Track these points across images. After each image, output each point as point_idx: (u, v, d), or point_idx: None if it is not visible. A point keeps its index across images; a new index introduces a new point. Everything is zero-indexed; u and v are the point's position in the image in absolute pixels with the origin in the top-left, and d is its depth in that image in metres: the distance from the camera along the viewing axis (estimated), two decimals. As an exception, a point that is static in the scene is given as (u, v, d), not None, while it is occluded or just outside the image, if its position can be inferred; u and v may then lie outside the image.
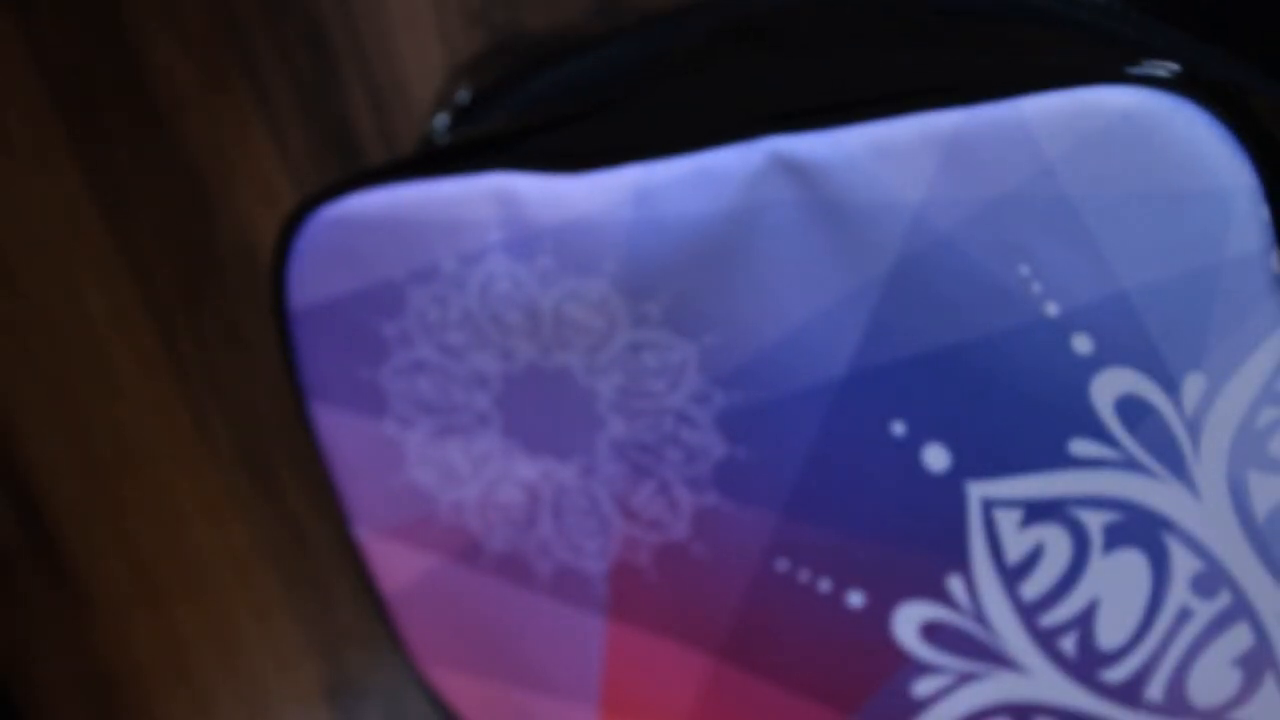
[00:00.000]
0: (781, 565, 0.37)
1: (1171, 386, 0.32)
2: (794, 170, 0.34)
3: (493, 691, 0.43)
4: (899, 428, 0.35)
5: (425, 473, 0.41)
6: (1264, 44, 0.33)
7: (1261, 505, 0.32)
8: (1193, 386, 0.31)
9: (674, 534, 0.38)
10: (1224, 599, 0.33)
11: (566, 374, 0.38)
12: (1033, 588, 0.35)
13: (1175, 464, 0.32)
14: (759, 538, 0.37)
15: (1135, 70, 0.30)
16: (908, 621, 0.36)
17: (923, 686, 0.37)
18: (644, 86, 0.37)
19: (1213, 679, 0.34)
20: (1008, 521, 0.34)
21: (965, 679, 0.36)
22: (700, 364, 0.36)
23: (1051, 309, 0.32)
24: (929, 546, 0.35)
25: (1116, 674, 0.34)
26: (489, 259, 0.38)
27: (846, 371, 0.35)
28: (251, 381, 0.52)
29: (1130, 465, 0.33)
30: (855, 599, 0.37)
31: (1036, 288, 0.32)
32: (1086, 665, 0.35)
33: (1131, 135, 0.30)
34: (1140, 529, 0.33)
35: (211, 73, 0.48)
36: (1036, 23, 0.33)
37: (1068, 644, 0.35)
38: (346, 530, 0.44)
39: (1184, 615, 0.33)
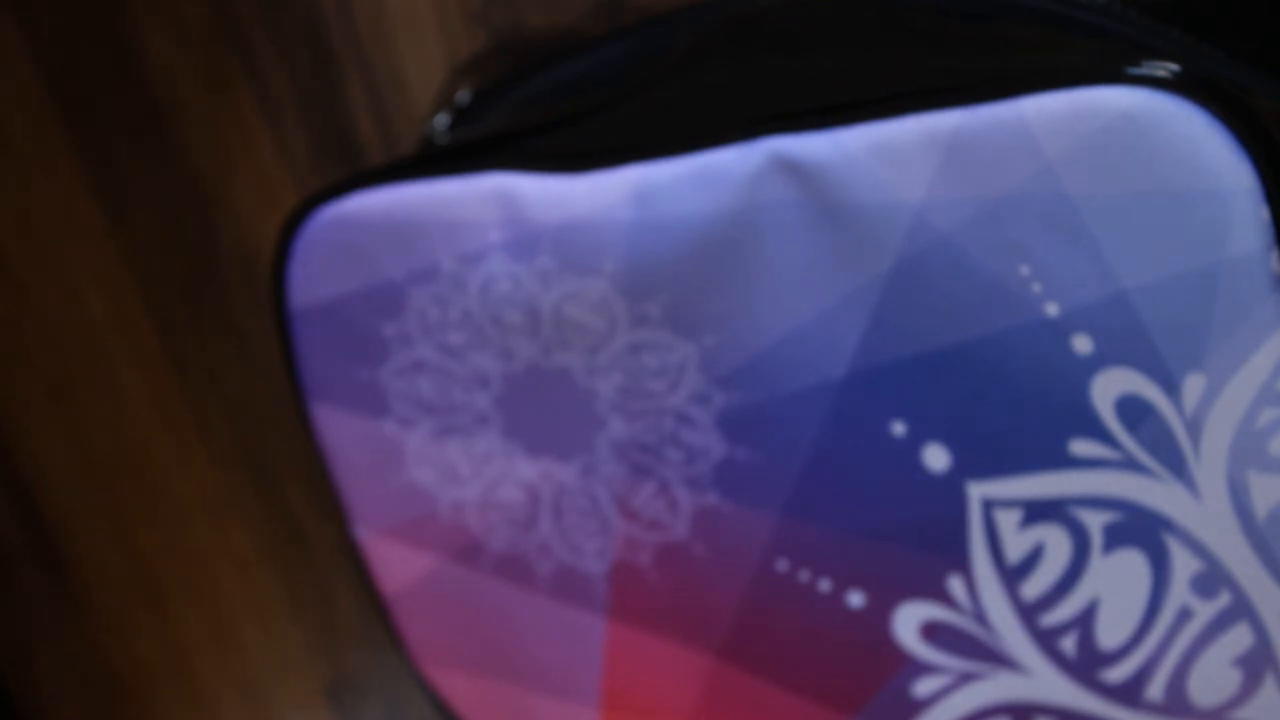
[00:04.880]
0: (781, 565, 0.37)
1: (1171, 386, 0.32)
2: (794, 170, 0.34)
3: (493, 691, 0.43)
4: (899, 428, 0.35)
5: (425, 473, 0.41)
6: (1264, 44, 0.33)
7: (1261, 505, 0.32)
8: (1193, 386, 0.31)
9: (674, 534, 0.38)
10: (1224, 599, 0.33)
11: (566, 374, 0.38)
12: (1033, 588, 0.35)
13: (1175, 464, 0.32)
14: (759, 538, 0.37)
15: (1135, 70, 0.30)
16: (908, 621, 0.36)
17: (923, 686, 0.37)
18: (644, 86, 0.37)
19: (1213, 679, 0.34)
20: (1008, 521, 0.34)
21: (965, 679, 0.36)
22: (700, 364, 0.36)
23: (1052, 309, 0.32)
24: (929, 546, 0.35)
25: (1117, 674, 0.34)
26: (489, 259, 0.38)
27: (846, 372, 0.35)
28: (251, 382, 0.52)
29: (1130, 465, 0.33)
30: (855, 599, 0.37)
31: (1037, 288, 0.32)
32: (1087, 665, 0.35)
33: (1132, 135, 0.30)
34: (1140, 529, 0.33)
35: (211, 73, 0.48)
36: (1036, 23, 0.33)
37: (1068, 644, 0.35)
38: (346, 530, 0.44)
39: (1184, 615, 0.33)
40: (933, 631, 0.36)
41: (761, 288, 0.35)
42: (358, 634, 0.55)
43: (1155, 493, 0.33)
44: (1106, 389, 0.32)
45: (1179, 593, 0.33)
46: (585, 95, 0.38)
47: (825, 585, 0.37)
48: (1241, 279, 0.30)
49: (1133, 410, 0.32)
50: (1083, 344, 0.32)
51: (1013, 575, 0.35)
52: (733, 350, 0.36)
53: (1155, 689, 0.34)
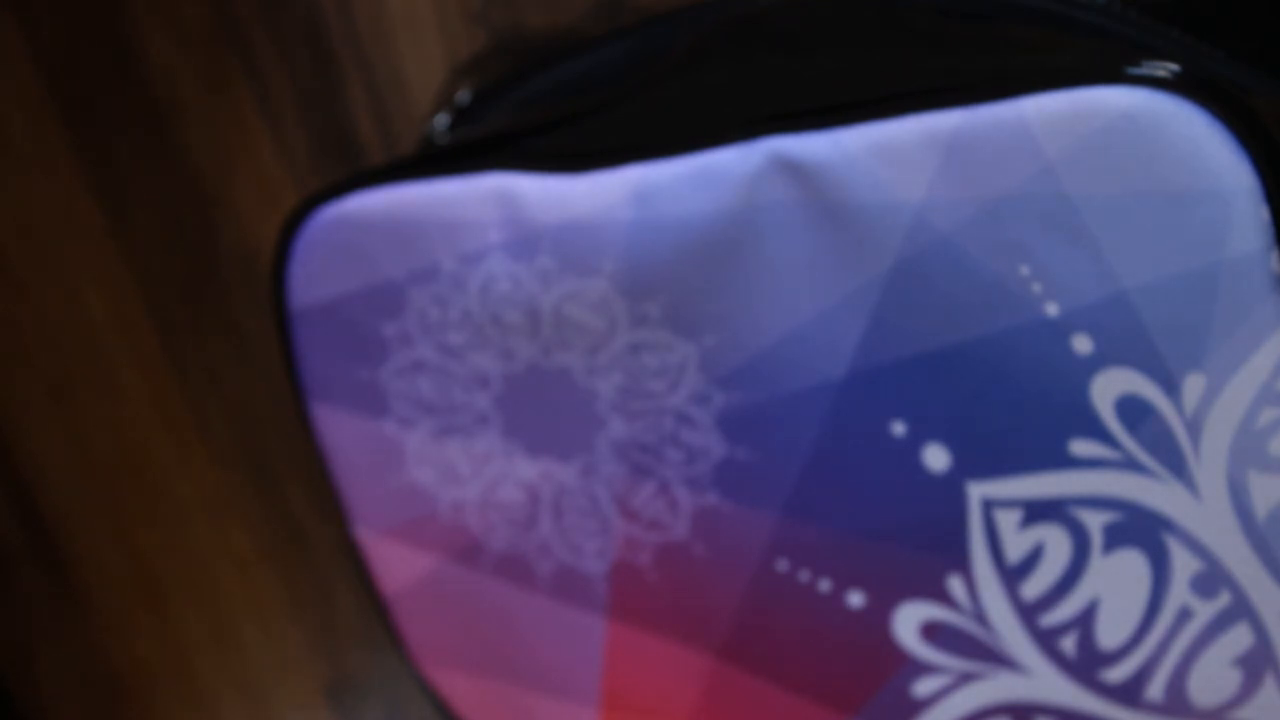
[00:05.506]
0: (781, 565, 0.37)
1: (1171, 386, 0.32)
2: (794, 170, 0.34)
3: (492, 691, 0.43)
4: (899, 428, 0.35)
5: (425, 473, 0.41)
6: (1264, 44, 0.33)
7: (1261, 505, 0.32)
8: (1193, 386, 0.31)
9: (674, 534, 0.38)
10: (1224, 599, 0.33)
11: (566, 374, 0.38)
12: (1033, 588, 0.35)
13: (1175, 464, 0.32)
14: (759, 538, 0.37)
15: (1135, 70, 0.30)
16: (908, 621, 0.36)
17: (923, 686, 0.37)
18: (644, 86, 0.37)
19: (1213, 679, 0.34)
20: (1008, 521, 0.34)
21: (965, 679, 0.36)
22: (700, 364, 0.36)
23: (1052, 309, 0.32)
24: (929, 546, 0.35)
25: (1117, 674, 0.35)
26: (489, 259, 0.38)
27: (847, 371, 0.35)
28: (251, 382, 0.52)
29: (1130, 465, 0.33)
30: (855, 599, 0.37)
31: (1037, 288, 0.32)
32: (1087, 665, 0.35)
33: (1132, 135, 0.30)
34: (1140, 529, 0.33)
35: (211, 73, 0.48)
36: (1036, 23, 0.33)
37: (1068, 644, 0.35)
38: (346, 530, 0.44)
39: (1184, 615, 0.33)
40: (933, 631, 0.36)
41: (761, 288, 0.35)
42: (358, 634, 0.55)
43: (1155, 493, 0.33)
44: (1106, 389, 0.32)
45: (1179, 593, 0.33)
46: (585, 95, 0.38)
47: (825, 585, 0.37)
48: (1241, 279, 0.30)
49: (1133, 410, 0.32)
50: (1083, 344, 0.32)
51: (1013, 575, 0.35)
52: (733, 350, 0.36)
53: (1155, 689, 0.34)
